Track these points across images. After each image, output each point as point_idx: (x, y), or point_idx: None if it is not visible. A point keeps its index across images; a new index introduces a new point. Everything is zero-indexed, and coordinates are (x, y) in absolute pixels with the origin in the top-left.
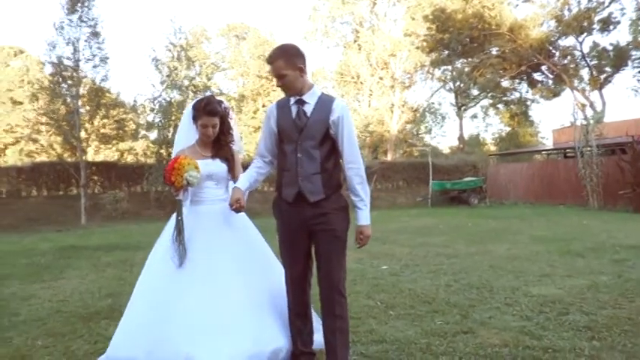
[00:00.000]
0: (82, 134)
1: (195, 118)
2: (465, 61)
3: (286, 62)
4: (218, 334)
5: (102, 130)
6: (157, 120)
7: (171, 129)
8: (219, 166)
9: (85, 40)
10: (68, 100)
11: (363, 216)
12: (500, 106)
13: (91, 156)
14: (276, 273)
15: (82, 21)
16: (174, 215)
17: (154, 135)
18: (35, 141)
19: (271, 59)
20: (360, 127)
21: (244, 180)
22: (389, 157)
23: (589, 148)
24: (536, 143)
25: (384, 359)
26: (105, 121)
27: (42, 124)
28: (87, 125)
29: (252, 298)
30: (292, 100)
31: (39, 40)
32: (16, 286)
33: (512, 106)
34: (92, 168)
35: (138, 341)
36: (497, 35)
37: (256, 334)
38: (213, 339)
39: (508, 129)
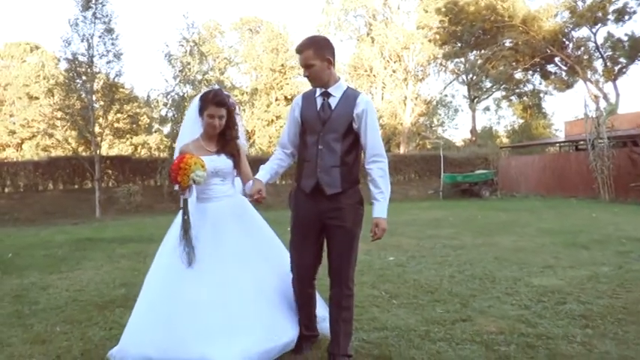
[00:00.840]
0: (97, 129)
1: (202, 110)
2: (478, 53)
3: (315, 52)
4: (230, 331)
5: (116, 125)
6: (170, 114)
7: None
8: (224, 162)
9: (99, 37)
10: (83, 95)
11: (381, 208)
12: (513, 98)
13: (105, 150)
14: (286, 265)
15: (97, 17)
16: (181, 213)
17: (167, 129)
18: (51, 136)
19: (301, 48)
20: None
21: (265, 172)
22: (402, 150)
23: (600, 141)
24: (549, 135)
25: (384, 345)
26: (119, 115)
27: (58, 119)
28: (101, 120)
29: (262, 293)
30: (318, 91)
31: (54, 36)
32: (35, 277)
33: (525, 98)
34: (106, 162)
35: (149, 339)
36: (510, 27)
37: (268, 330)
38: (226, 337)
39: (521, 121)
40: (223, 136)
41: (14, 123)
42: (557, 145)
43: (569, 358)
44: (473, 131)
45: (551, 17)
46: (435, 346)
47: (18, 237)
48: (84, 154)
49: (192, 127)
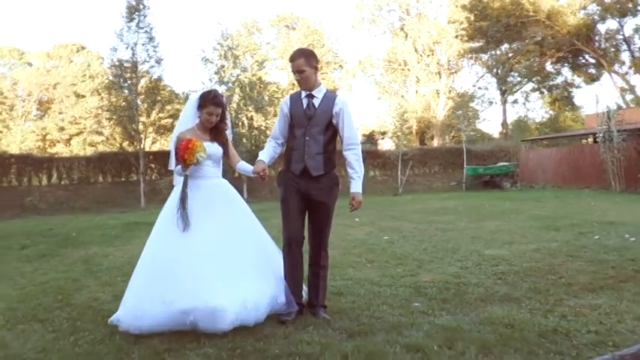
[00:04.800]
0: (140, 126)
1: (201, 106)
2: (507, 48)
3: (305, 60)
4: (227, 282)
5: (158, 123)
6: None
7: None
8: (217, 149)
9: (142, 44)
10: (127, 94)
11: (357, 185)
12: (544, 90)
13: (148, 146)
14: (263, 236)
15: (140, 27)
16: (178, 187)
17: None
18: (99, 133)
19: (294, 57)
20: (396, 116)
21: (265, 155)
22: (435, 143)
23: (610, 133)
24: (579, 128)
25: (343, 287)
26: (161, 114)
27: (106, 119)
28: (144, 118)
29: (248, 254)
30: (303, 94)
31: (98, 35)
32: (97, 249)
33: (554, 91)
34: (150, 157)
35: (158, 296)
36: (535, 22)
37: (259, 283)
38: (225, 287)
39: (550, 114)
40: (217, 128)
41: (63, 120)
42: (580, 137)
43: (468, 294)
44: (504, 124)
45: (580, 9)
46: (379, 288)
47: (77, 222)
48: (129, 149)
49: (188, 119)
